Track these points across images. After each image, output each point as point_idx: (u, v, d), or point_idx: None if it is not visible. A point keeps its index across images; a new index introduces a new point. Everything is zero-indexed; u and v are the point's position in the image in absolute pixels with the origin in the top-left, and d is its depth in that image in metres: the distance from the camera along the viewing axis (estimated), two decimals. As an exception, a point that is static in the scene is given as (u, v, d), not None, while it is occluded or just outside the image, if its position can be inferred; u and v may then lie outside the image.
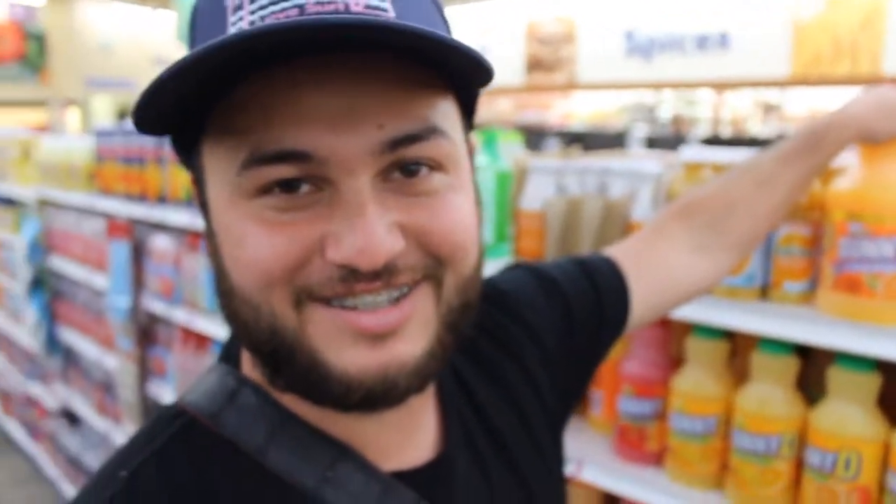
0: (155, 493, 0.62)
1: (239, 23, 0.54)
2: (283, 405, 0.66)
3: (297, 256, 0.56)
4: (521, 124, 11.36)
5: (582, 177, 1.68)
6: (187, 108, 0.56)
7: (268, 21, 0.53)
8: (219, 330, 2.63)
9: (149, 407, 3.33)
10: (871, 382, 1.20)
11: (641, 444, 1.53)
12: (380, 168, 0.56)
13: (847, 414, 1.21)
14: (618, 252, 0.97)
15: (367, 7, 0.54)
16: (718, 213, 1.02)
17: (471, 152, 0.68)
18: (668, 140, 7.39)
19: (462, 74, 0.58)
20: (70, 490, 4.22)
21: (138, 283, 3.15)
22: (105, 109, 15.50)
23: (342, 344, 0.58)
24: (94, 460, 3.96)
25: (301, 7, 0.53)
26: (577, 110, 11.89)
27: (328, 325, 0.58)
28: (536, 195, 1.60)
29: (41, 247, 4.00)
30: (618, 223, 1.50)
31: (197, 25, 0.60)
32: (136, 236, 3.13)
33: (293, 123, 0.54)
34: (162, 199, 2.88)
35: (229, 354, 0.71)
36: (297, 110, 0.54)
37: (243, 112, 0.55)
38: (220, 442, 0.65)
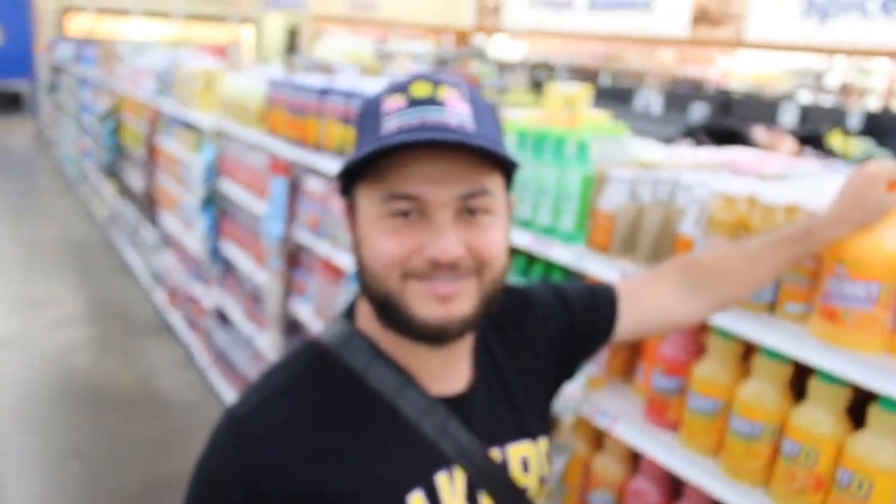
0: (303, 391, 1.07)
1: (388, 123, 0.98)
2: (378, 347, 1.09)
3: (405, 253, 0.99)
4: (681, 77, 11.13)
5: (655, 185, 2.00)
6: (358, 167, 1.00)
7: (403, 125, 0.97)
8: (352, 265, 3.12)
9: (289, 320, 3.91)
10: (841, 394, 1.49)
11: (664, 413, 1.87)
12: (455, 209, 0.99)
13: (817, 417, 1.51)
14: (623, 285, 1.36)
15: (461, 122, 0.98)
16: (708, 274, 1.37)
17: (509, 206, 1.09)
18: (826, 113, 7.05)
19: (504, 163, 1.01)
20: (216, 378, 4.95)
21: (291, 214, 3.68)
22: (277, 27, 16.42)
23: (425, 303, 1.00)
24: (239, 357, 4.62)
25: (424, 118, 0.97)
26: (738, 69, 11.45)
27: (418, 291, 1.00)
28: (611, 199, 1.93)
29: (215, 170, 4.64)
30: (671, 233, 1.82)
31: (363, 122, 1.04)
32: (293, 174, 3.65)
33: (412, 180, 0.97)
34: (318, 147, 3.38)
35: (349, 313, 1.16)
36: (416, 173, 0.97)
37: (387, 173, 0.98)
38: (340, 364, 1.09)
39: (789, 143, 6.55)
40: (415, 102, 0.98)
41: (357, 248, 1.05)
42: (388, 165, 0.97)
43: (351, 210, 1.07)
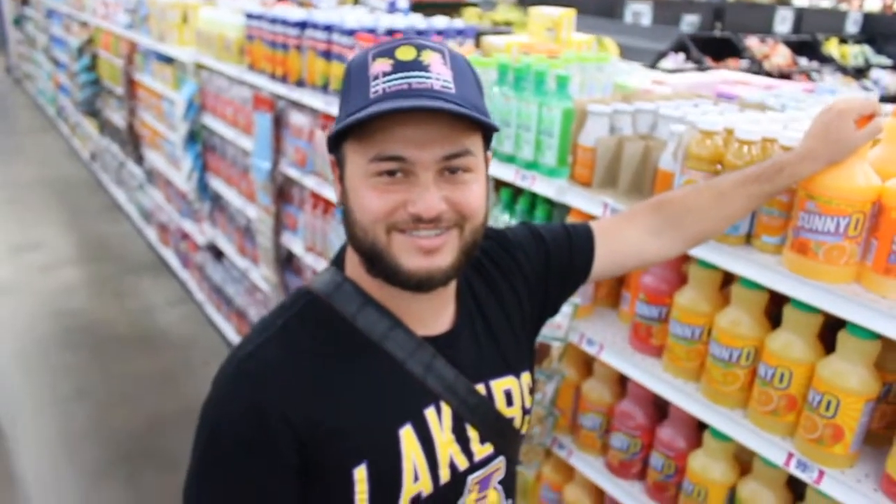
0: (299, 332, 1.13)
1: (375, 86, 1.02)
2: (367, 293, 1.14)
3: (391, 208, 1.04)
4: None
5: (635, 118, 2.03)
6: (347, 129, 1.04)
7: (389, 89, 1.01)
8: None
9: (281, 254, 3.97)
10: (813, 321, 1.57)
11: (648, 339, 1.95)
12: (438, 169, 1.03)
13: (790, 342, 1.59)
14: (598, 224, 1.42)
15: (443, 86, 1.02)
16: (679, 212, 1.42)
17: (487, 161, 1.13)
18: (822, 17, 6.79)
19: (483, 125, 1.05)
20: (213, 312, 5.04)
21: (278, 149, 3.69)
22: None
23: (409, 255, 1.06)
24: (235, 290, 4.70)
25: (409, 83, 1.01)
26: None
27: (403, 244, 1.06)
28: (591, 134, 1.96)
29: (197, 105, 4.60)
30: (651, 166, 1.86)
31: (352, 84, 1.07)
32: (277, 109, 3.64)
33: (399, 142, 1.01)
34: (300, 83, 3.36)
35: (337, 261, 1.21)
36: (402, 136, 1.01)
37: (375, 135, 1.02)
38: (331, 310, 1.14)
39: (784, 52, 6.49)
40: (400, 66, 1.03)
41: (345, 201, 1.10)
42: (375, 128, 1.01)
43: (338, 165, 1.11)
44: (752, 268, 1.60)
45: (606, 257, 1.40)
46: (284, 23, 3.35)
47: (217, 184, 4.63)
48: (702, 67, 5.44)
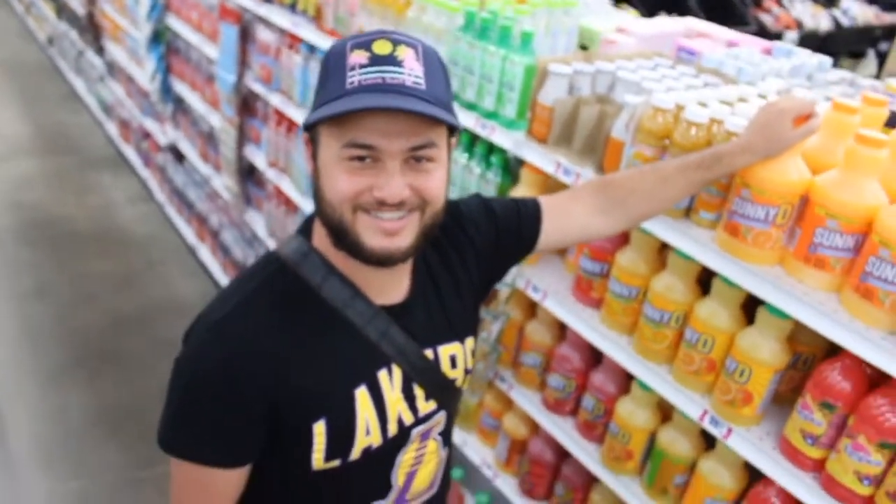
0: (268, 298, 1.22)
1: (352, 77, 1.09)
2: (331, 263, 1.24)
3: (358, 190, 1.12)
4: None
5: (594, 78, 2.09)
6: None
7: (365, 82, 1.08)
8: (302, 119, 3.16)
9: (244, 166, 3.98)
10: (738, 295, 1.70)
11: (589, 292, 2.08)
12: (404, 158, 1.12)
13: (715, 312, 1.73)
14: (546, 200, 1.51)
15: (415, 82, 1.09)
16: (623, 193, 1.52)
17: (450, 149, 1.22)
18: None
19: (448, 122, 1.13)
20: (173, 214, 5.06)
21: (243, 63, 3.65)
22: None
23: (373, 235, 1.15)
24: (195, 196, 4.71)
25: (383, 77, 1.08)
26: None
27: (367, 224, 1.15)
28: (551, 93, 2.02)
29: (161, 4, 4.48)
30: (605, 132, 1.93)
31: (329, 71, 1.13)
32: (244, 21, 3.58)
33: (370, 132, 1.09)
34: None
35: (305, 229, 1.30)
36: (373, 126, 1.08)
37: (348, 123, 1.09)
38: (297, 278, 1.24)
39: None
40: (376, 60, 1.10)
41: (316, 179, 1.19)
42: (349, 117, 1.09)
43: (312, 143, 1.19)
44: (688, 242, 1.72)
45: (552, 232, 1.51)
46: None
47: (181, 88, 4.56)
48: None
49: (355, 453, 1.26)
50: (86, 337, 4.03)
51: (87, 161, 5.95)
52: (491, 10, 2.20)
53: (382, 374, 1.27)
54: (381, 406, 1.27)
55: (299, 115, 3.22)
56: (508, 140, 2.14)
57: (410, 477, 1.39)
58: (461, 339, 1.40)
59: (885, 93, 2.06)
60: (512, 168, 2.31)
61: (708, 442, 1.91)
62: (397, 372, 1.28)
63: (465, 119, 2.25)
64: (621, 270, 1.94)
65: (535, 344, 2.31)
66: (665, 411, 2.00)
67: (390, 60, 1.10)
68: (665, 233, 1.76)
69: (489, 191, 2.31)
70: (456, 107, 2.24)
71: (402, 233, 1.16)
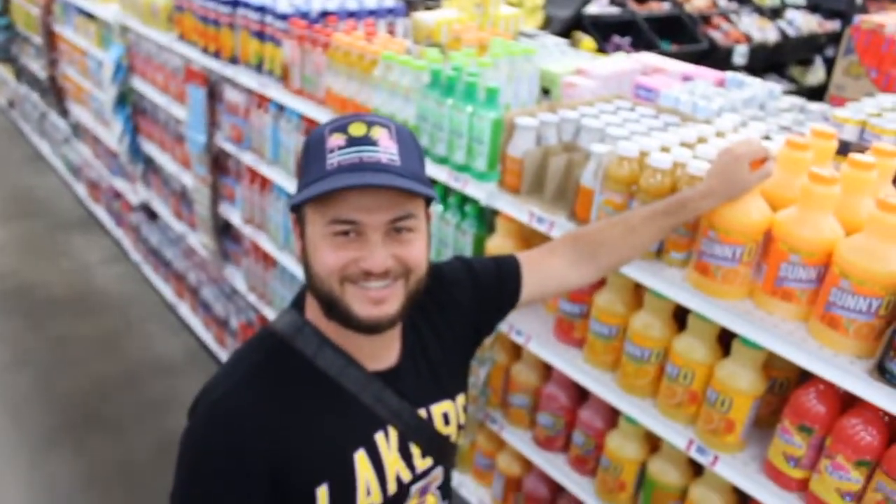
0: (266, 373, 1.29)
1: (331, 159, 1.17)
2: (324, 334, 1.31)
3: (345, 263, 1.20)
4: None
5: (560, 127, 2.18)
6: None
7: (344, 162, 1.16)
8: (278, 177, 3.22)
9: (220, 223, 4.02)
10: (713, 329, 1.79)
11: (570, 332, 2.16)
12: (385, 230, 1.19)
13: (693, 345, 1.82)
14: (523, 256, 1.60)
15: (390, 159, 1.17)
16: (593, 246, 1.62)
17: (428, 218, 1.30)
18: None
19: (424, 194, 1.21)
20: (150, 273, 5.07)
21: (213, 123, 3.70)
22: None
23: (361, 304, 1.23)
24: (172, 254, 4.72)
25: (361, 157, 1.17)
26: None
27: (355, 294, 1.22)
28: (519, 146, 2.11)
29: (125, 67, 4.52)
30: (574, 180, 2.02)
31: (310, 155, 1.22)
32: (211, 82, 3.64)
33: (352, 209, 1.17)
34: (234, 60, 3.37)
35: (297, 304, 1.36)
36: (354, 203, 1.16)
37: (331, 201, 1.17)
38: (293, 351, 1.31)
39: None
40: (352, 141, 1.19)
41: (305, 255, 1.26)
42: (332, 196, 1.17)
43: (299, 223, 1.27)
44: (661, 282, 1.80)
45: (533, 286, 1.59)
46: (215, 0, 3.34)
47: (150, 148, 4.60)
48: (625, 11, 5.65)
49: None
50: (70, 402, 4.01)
51: (57, 223, 5.94)
52: (455, 67, 2.29)
53: (379, 437, 1.34)
54: (379, 467, 1.34)
55: (272, 173, 3.28)
56: (481, 192, 2.22)
57: None
58: (452, 397, 1.48)
59: (832, 123, 2.17)
60: (487, 217, 2.39)
61: (696, 468, 1.99)
62: (393, 433, 1.35)
63: (438, 173, 2.33)
64: (600, 311, 2.02)
65: (521, 385, 2.38)
66: (653, 442, 2.08)
67: (366, 141, 1.18)
68: (638, 274, 1.85)
69: (466, 241, 2.39)
70: (428, 161, 2.34)
71: (388, 300, 1.23)
